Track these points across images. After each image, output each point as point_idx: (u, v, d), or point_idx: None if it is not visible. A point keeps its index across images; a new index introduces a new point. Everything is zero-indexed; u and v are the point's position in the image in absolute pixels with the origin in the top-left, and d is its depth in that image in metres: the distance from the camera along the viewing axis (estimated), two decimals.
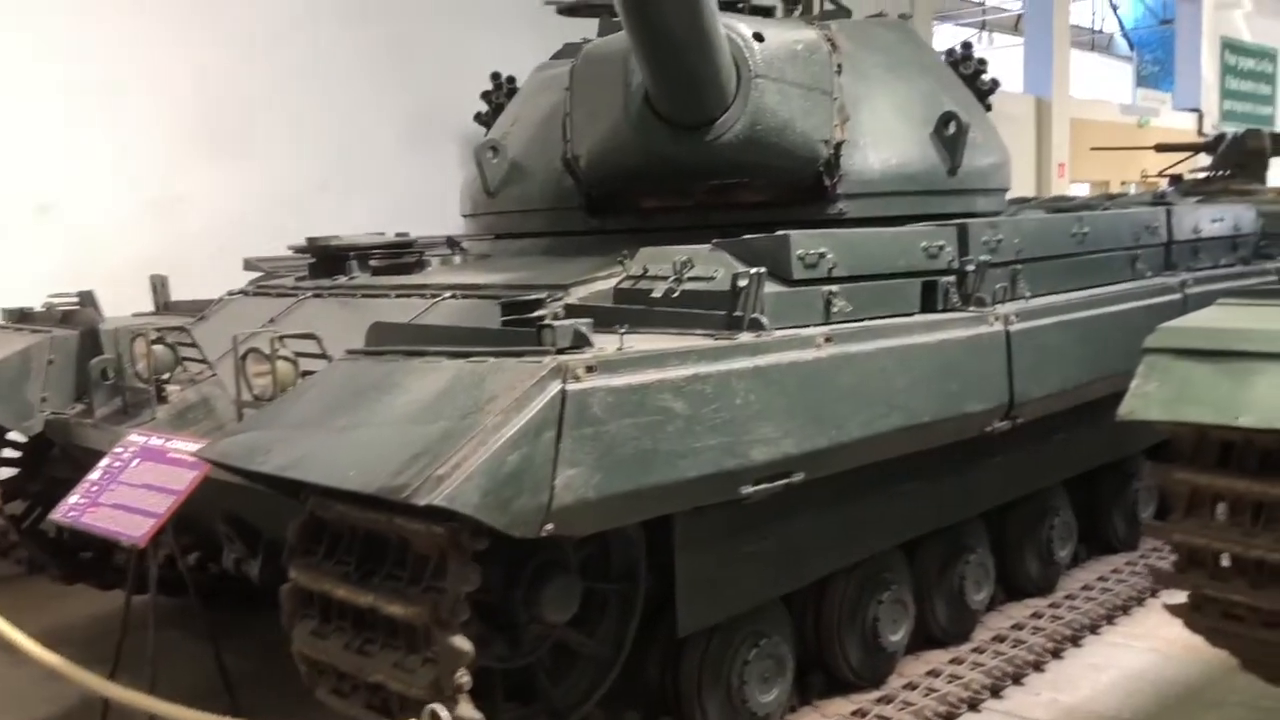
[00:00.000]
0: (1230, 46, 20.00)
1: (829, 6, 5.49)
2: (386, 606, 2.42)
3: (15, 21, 5.65)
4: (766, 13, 5.12)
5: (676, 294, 3.12)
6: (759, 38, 3.77)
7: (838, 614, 3.62)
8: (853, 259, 3.31)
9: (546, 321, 2.54)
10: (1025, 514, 4.44)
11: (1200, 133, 14.99)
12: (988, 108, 5.55)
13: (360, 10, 6.78)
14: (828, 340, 3.03)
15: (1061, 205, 5.85)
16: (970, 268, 3.65)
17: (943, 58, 5.48)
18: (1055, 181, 14.29)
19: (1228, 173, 10.76)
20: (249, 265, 5.27)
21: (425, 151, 6.35)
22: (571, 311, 3.21)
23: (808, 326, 3.10)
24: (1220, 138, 11.36)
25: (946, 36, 24.46)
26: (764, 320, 2.92)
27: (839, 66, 4.04)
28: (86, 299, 4.57)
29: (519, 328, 2.66)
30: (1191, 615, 2.96)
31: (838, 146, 3.97)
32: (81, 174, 5.85)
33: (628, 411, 2.49)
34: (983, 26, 23.01)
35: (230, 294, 4.72)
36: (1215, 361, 2.77)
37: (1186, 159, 11.67)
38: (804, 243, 3.16)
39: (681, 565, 2.97)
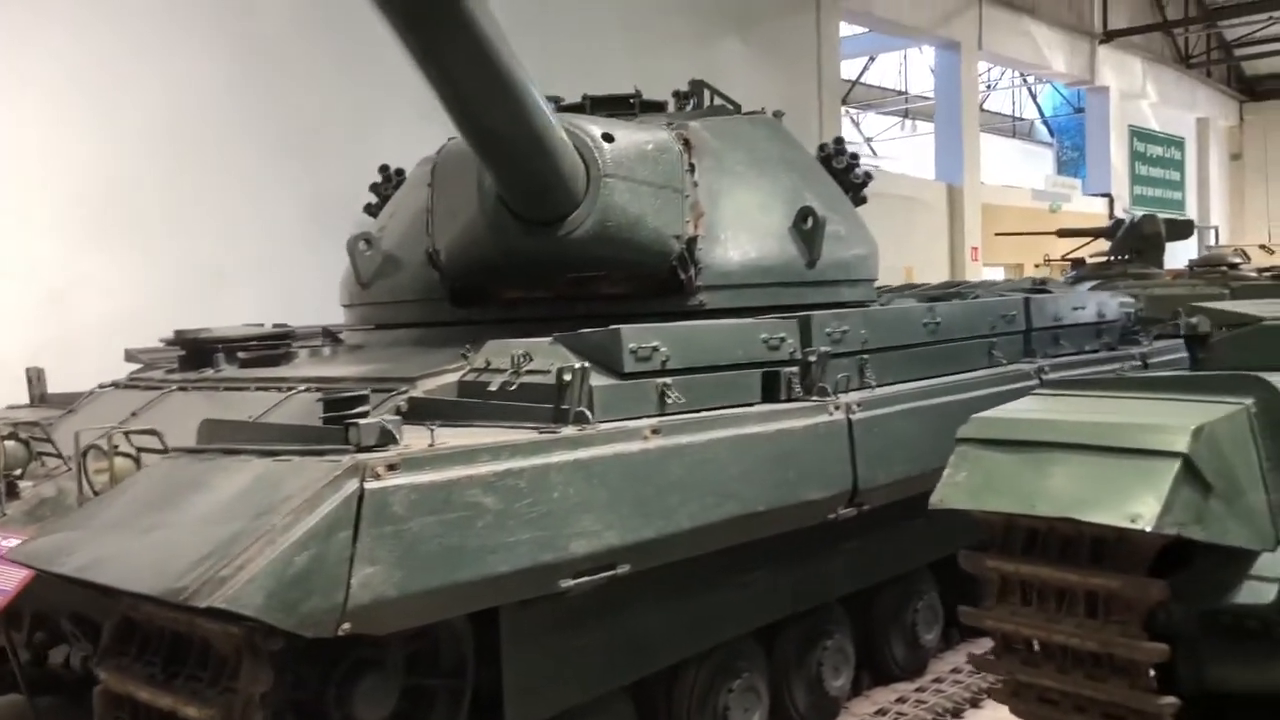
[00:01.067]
0: (1138, 134, 20.77)
1: (719, 102, 5.73)
2: (184, 708, 2.42)
3: None
4: (659, 108, 5.33)
5: (514, 387, 3.18)
6: (608, 138, 3.90)
7: (688, 703, 3.63)
8: (687, 352, 3.40)
9: (353, 419, 2.58)
10: (889, 598, 4.51)
11: (1110, 217, 15.54)
12: (861, 200, 5.76)
13: (259, 102, 6.88)
14: (655, 432, 3.10)
15: (932, 293, 6.01)
16: (812, 358, 3.75)
17: (815, 152, 5.71)
18: (969, 265, 14.66)
19: (1126, 257, 11.15)
20: (130, 356, 5.26)
21: (321, 242, 6.37)
22: (415, 405, 3.28)
23: (640, 418, 3.17)
24: (1119, 223, 11.79)
25: (872, 125, 25.26)
26: (589, 413, 2.98)
27: (691, 165, 4.18)
28: None
29: (336, 425, 2.70)
30: (1011, 700, 3.03)
31: (690, 241, 4.08)
32: None
33: (432, 509, 2.52)
34: (905, 115, 23.72)
35: (101, 387, 4.71)
36: (1017, 451, 2.88)
37: (1087, 244, 12.07)
38: (635, 336, 3.25)
39: (509, 659, 2.99)
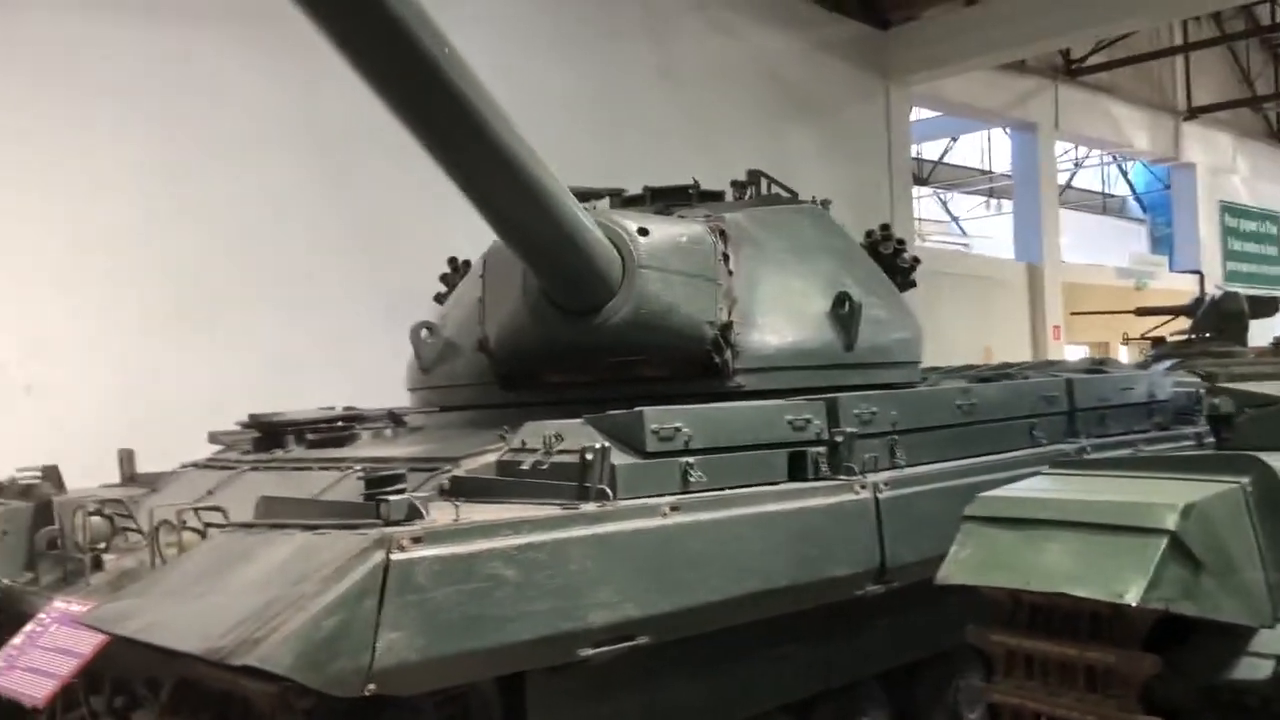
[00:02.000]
0: (1230, 210, 20.44)
1: (776, 191, 5.98)
2: None
3: (14, 228, 6.20)
4: (717, 197, 5.61)
5: (545, 466, 3.40)
6: (643, 232, 4.15)
7: None
8: (711, 432, 3.58)
9: (387, 496, 2.82)
10: (930, 675, 4.56)
11: (1200, 294, 15.31)
12: (910, 285, 5.92)
13: (340, 198, 7.32)
14: (674, 509, 3.28)
15: (982, 374, 6.09)
16: (839, 439, 3.91)
17: (863, 239, 5.90)
18: (1051, 344, 14.57)
19: (1208, 335, 11.01)
20: (213, 438, 5.63)
21: (396, 329, 6.73)
22: (456, 483, 3.52)
23: (662, 495, 3.36)
24: (1199, 301, 11.65)
25: (958, 205, 25.29)
26: (609, 491, 3.18)
27: (726, 255, 4.40)
28: (49, 473, 4.91)
29: (373, 501, 2.94)
30: None
31: (724, 327, 4.29)
32: (65, 357, 6.31)
33: (454, 579, 2.73)
34: (990, 194, 23.72)
35: (184, 466, 5.06)
36: (1017, 529, 3.00)
37: (1167, 322, 11.94)
38: (658, 417, 3.45)
39: None
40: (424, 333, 4.93)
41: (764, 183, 6.21)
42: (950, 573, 3.02)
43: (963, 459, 4.40)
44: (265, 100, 7.02)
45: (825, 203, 5.89)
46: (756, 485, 3.65)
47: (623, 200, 6.26)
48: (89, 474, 5.19)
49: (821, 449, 3.90)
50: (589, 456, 3.19)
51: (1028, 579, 2.86)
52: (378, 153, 7.65)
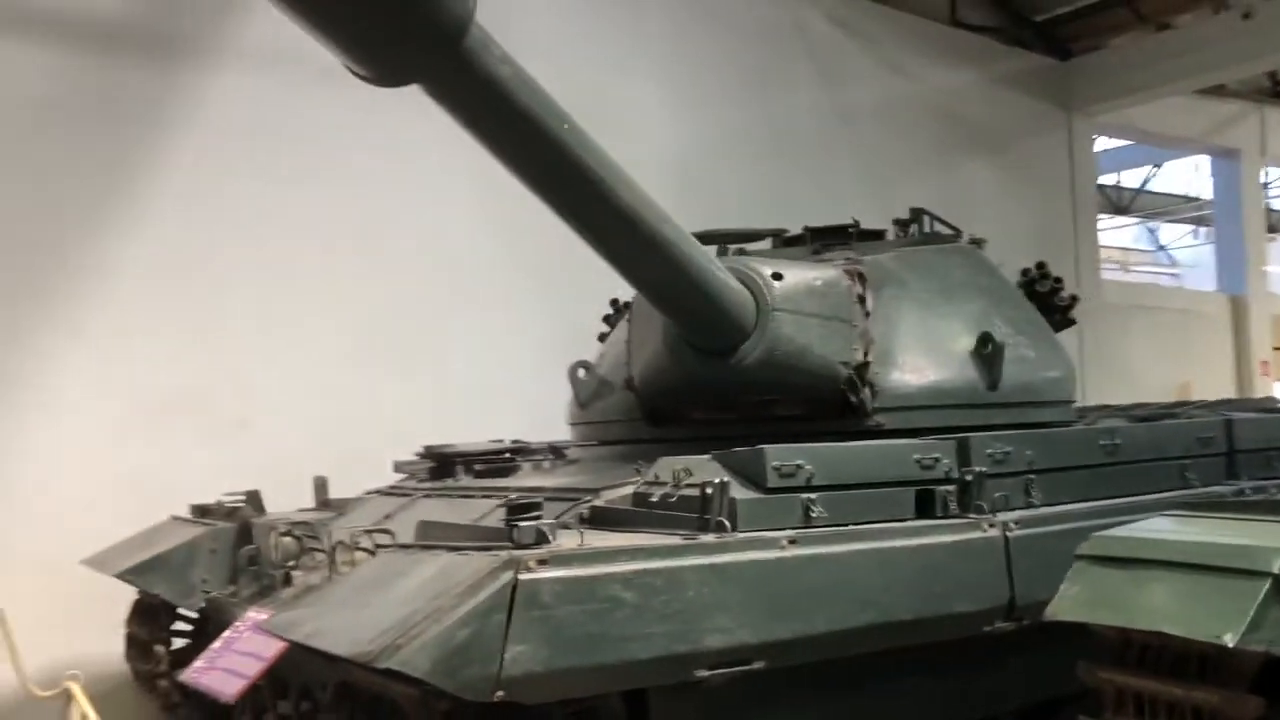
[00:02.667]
0: None
1: (940, 229, 6.08)
2: None
3: (226, 277, 6.91)
4: (877, 236, 5.77)
5: (673, 498, 3.64)
6: (777, 277, 4.35)
7: None
8: (833, 470, 3.74)
9: (521, 522, 3.12)
10: (1072, 714, 4.52)
11: None
12: (1068, 323, 5.89)
13: (510, 245, 7.80)
14: (792, 542, 3.45)
15: (1141, 414, 5.96)
16: (969, 477, 3.99)
17: (1018, 277, 5.91)
18: (1258, 379, 13.78)
19: None
20: (397, 467, 6.13)
21: (565, 366, 7.16)
22: (595, 512, 3.81)
23: (783, 529, 3.54)
24: None
25: (1167, 233, 24.11)
26: (727, 523, 3.39)
27: (862, 297, 4.55)
28: (252, 498, 5.49)
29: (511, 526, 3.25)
30: None
31: (859, 367, 4.43)
32: (271, 394, 6.96)
33: (576, 599, 3.00)
34: (1198, 222, 22.56)
35: (367, 493, 5.55)
36: (1125, 568, 3.04)
37: None
38: (779, 455, 3.64)
39: None
40: (580, 371, 5.27)
41: (926, 220, 6.31)
42: (1057, 609, 3.08)
43: (1106, 500, 4.38)
44: (444, 157, 7.56)
45: (979, 241, 5.94)
46: (881, 522, 3.78)
47: (784, 240, 6.49)
48: (290, 499, 5.75)
49: (951, 487, 3.99)
50: (709, 491, 3.41)
51: (1131, 617, 2.90)
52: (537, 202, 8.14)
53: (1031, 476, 4.22)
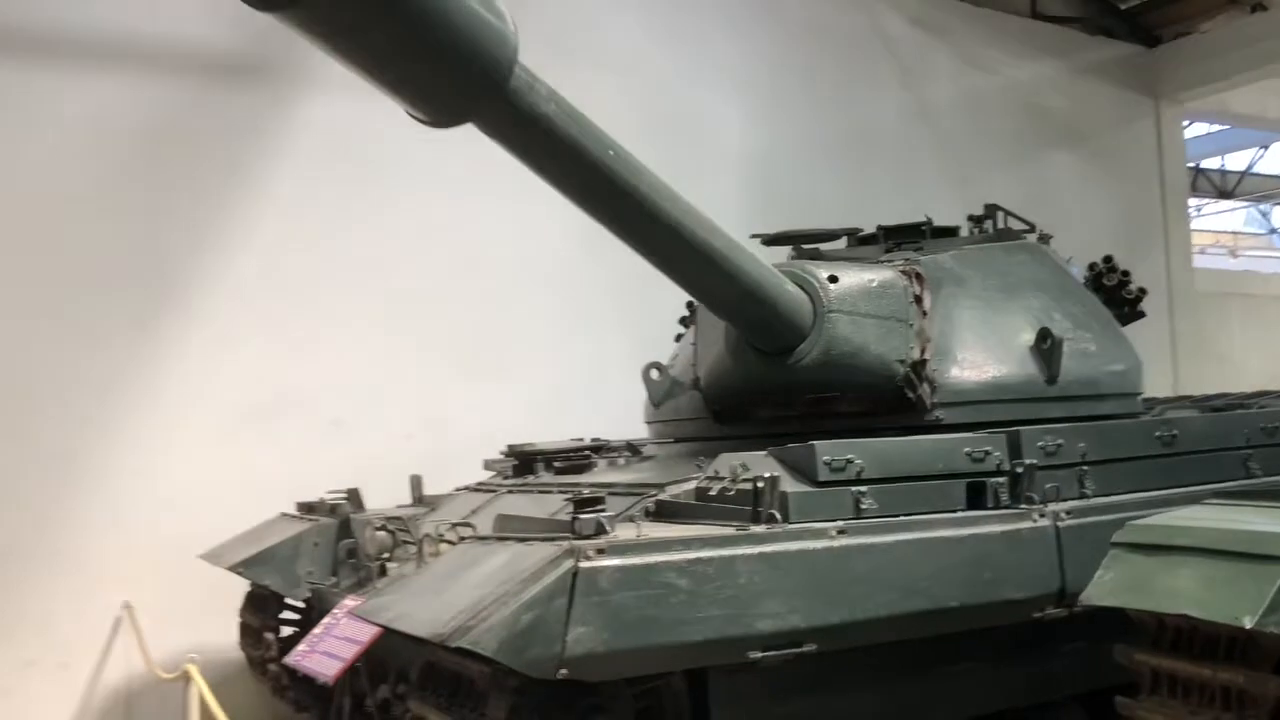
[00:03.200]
0: None
1: (1016, 224, 6.20)
2: None
3: (322, 288, 7.34)
4: (950, 233, 5.93)
5: (731, 492, 3.87)
6: (833, 279, 4.54)
7: None
8: (883, 464, 3.93)
9: (583, 515, 3.39)
10: None
11: None
12: (1137, 315, 5.95)
13: (594, 253, 8.07)
14: (841, 532, 3.66)
15: (1211, 405, 5.97)
16: (1019, 469, 4.14)
17: (1083, 273, 5.98)
18: None
19: None
20: (487, 466, 6.47)
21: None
22: (660, 506, 4.07)
23: (835, 520, 3.74)
24: None
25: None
26: (778, 515, 3.61)
27: (918, 296, 4.70)
28: (351, 495, 5.87)
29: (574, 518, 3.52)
30: None
31: (916, 364, 4.59)
32: (369, 396, 7.37)
33: (633, 585, 3.25)
34: None
35: (457, 490, 5.89)
36: (1157, 555, 3.17)
37: None
38: (830, 450, 3.84)
39: (715, 717, 3.63)
40: (653, 372, 5.52)
41: (1000, 216, 6.42)
42: (1090, 594, 3.23)
43: (1163, 490, 4.47)
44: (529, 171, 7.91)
45: (1045, 237, 6.03)
46: (932, 513, 3.96)
47: (859, 240, 6.65)
48: (389, 496, 6.13)
49: (1002, 479, 4.14)
50: (760, 485, 3.63)
51: (1159, 601, 3.04)
52: None
53: (1085, 468, 4.34)
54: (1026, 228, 6.30)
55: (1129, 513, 4.23)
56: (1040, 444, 4.26)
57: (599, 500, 3.69)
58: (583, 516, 3.36)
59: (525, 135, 3.22)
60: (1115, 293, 5.92)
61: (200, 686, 4.98)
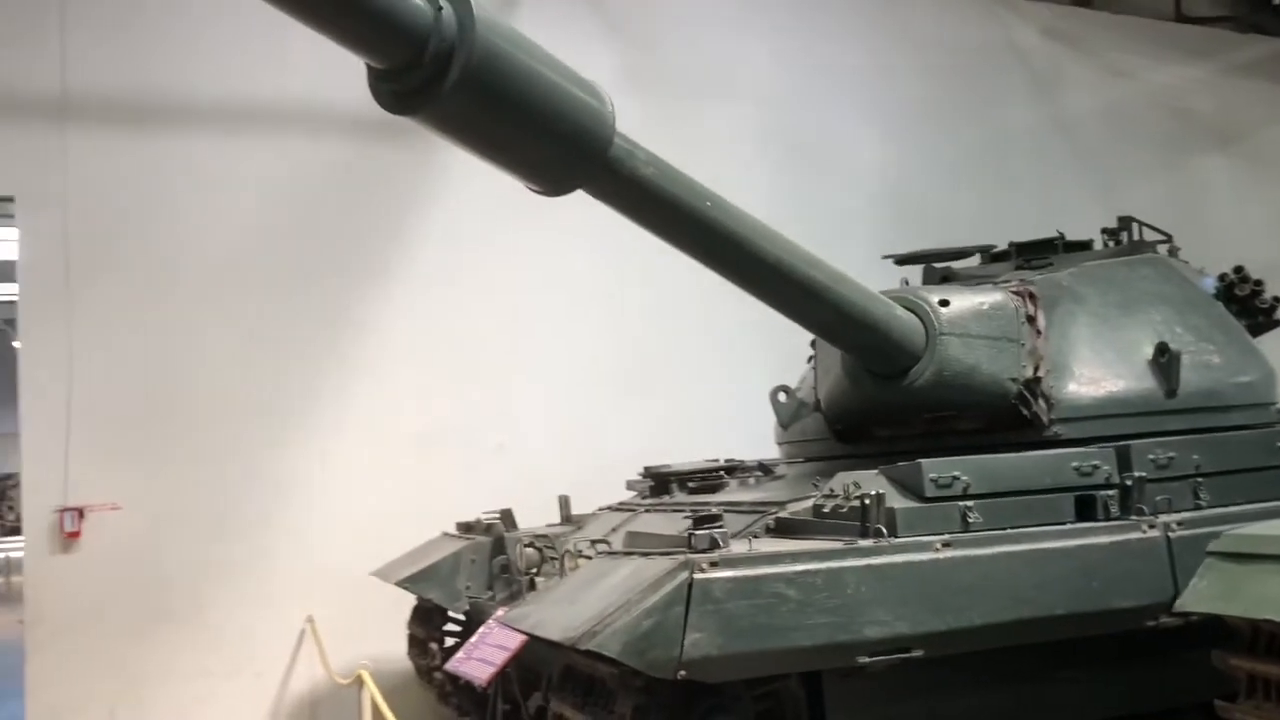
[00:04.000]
0: None
1: (1153, 237, 6.27)
2: None
3: (487, 325, 7.89)
4: (1084, 247, 6.06)
5: (844, 509, 4.14)
6: (944, 304, 4.74)
7: None
8: (990, 479, 4.13)
9: (702, 531, 3.72)
10: None
11: None
12: (1272, 325, 5.91)
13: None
14: (946, 545, 3.88)
15: None
16: (1129, 482, 4.27)
17: (1216, 282, 5.98)
18: None
19: None
20: (629, 486, 6.86)
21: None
22: (779, 522, 4.36)
23: (941, 534, 3.96)
24: None
25: None
26: (884, 529, 3.86)
27: (1030, 316, 4.86)
28: (505, 515, 6.34)
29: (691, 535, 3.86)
30: None
31: (1029, 382, 4.75)
32: (526, 422, 7.89)
33: (745, 595, 3.56)
34: None
35: (601, 509, 6.29)
36: (1248, 563, 3.30)
37: None
38: (936, 468, 4.06)
39: (831, 719, 3.89)
40: (781, 395, 5.81)
41: (1136, 227, 6.48)
42: (1185, 601, 3.38)
43: None
44: None
45: (1174, 249, 6.06)
46: (1040, 526, 4.12)
47: (991, 256, 6.80)
48: (541, 515, 6.58)
49: (1112, 492, 4.27)
50: (867, 502, 3.89)
51: (1245, 607, 3.16)
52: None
53: (1199, 479, 4.42)
54: (1162, 238, 6.33)
55: (1242, 523, 4.33)
56: (1151, 457, 4.38)
57: (717, 518, 4.01)
58: (699, 533, 3.69)
59: (629, 196, 3.59)
60: (1248, 302, 5.90)
61: (372, 690, 5.50)
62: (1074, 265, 5.57)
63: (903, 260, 7.02)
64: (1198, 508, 4.36)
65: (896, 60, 9.43)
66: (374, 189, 7.73)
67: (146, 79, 7.13)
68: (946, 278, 6.64)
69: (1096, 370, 4.96)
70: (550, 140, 3.14)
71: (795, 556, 3.68)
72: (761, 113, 8.94)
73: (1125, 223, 6.67)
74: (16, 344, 21.06)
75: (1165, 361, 4.93)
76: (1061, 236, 6.51)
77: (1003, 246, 6.69)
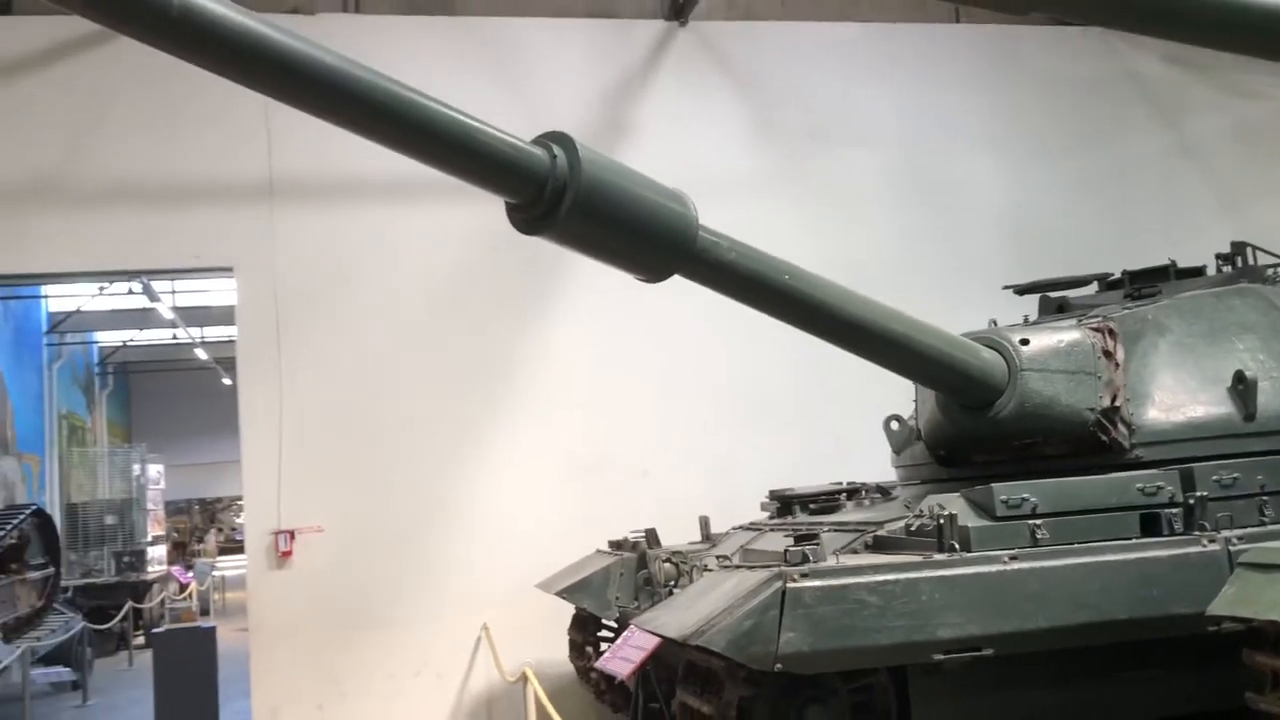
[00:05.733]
0: None
1: (1266, 261, 6.64)
2: (703, 707, 4.41)
3: (635, 366, 8.74)
4: (1197, 273, 6.49)
5: (930, 527, 4.77)
6: (1024, 342, 5.29)
7: None
8: (1056, 499, 4.68)
9: (793, 548, 4.42)
10: None
11: None
12: None
13: None
14: (1013, 558, 4.46)
15: None
16: (1191, 501, 4.74)
17: None
18: None
19: None
20: (763, 507, 7.56)
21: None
22: (876, 540, 5.02)
23: (1012, 549, 4.54)
24: None
25: None
26: (957, 545, 4.47)
27: (1107, 351, 5.34)
28: (649, 534, 7.14)
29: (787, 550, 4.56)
30: None
31: (1105, 411, 5.24)
32: (669, 450, 8.69)
33: (831, 601, 4.23)
34: None
35: (733, 529, 7.01)
36: (1269, 573, 3.78)
37: None
38: (1007, 490, 4.65)
39: (917, 712, 4.51)
40: (893, 424, 6.42)
41: (1250, 251, 6.84)
42: (1214, 606, 3.88)
43: None
44: (802, 238, 8.98)
45: (1272, 279, 6.39)
46: (1106, 541, 4.65)
47: (1106, 285, 7.26)
48: (684, 534, 7.35)
49: (1176, 510, 4.76)
50: (942, 521, 4.52)
51: (1257, 610, 3.66)
52: (888, 275, 9.23)
53: (1265, 498, 4.85)
54: (1277, 261, 6.66)
55: None
56: (1215, 477, 4.83)
57: (814, 536, 4.72)
58: (793, 549, 4.40)
59: (717, 278, 4.33)
60: None
61: (534, 686, 6.36)
62: (1183, 292, 6.01)
63: (1023, 290, 7.51)
64: (1261, 524, 4.78)
65: (1017, 98, 9.86)
66: (532, 248, 8.61)
67: (337, 161, 8.28)
68: (1061, 307, 7.12)
69: (1178, 397, 5.41)
70: (646, 243, 3.93)
71: (876, 568, 4.34)
72: (887, 156, 9.54)
73: (1239, 248, 7.01)
74: (225, 380, 23.12)
75: (1243, 388, 5.34)
76: (1173, 264, 6.90)
77: (1119, 274, 7.12)
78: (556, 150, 3.65)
